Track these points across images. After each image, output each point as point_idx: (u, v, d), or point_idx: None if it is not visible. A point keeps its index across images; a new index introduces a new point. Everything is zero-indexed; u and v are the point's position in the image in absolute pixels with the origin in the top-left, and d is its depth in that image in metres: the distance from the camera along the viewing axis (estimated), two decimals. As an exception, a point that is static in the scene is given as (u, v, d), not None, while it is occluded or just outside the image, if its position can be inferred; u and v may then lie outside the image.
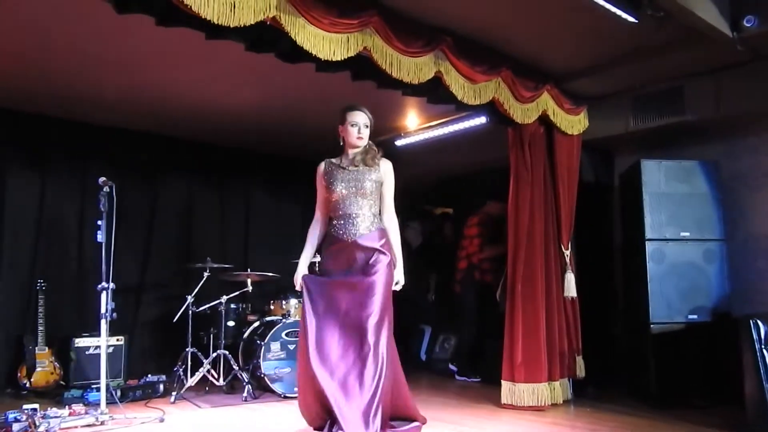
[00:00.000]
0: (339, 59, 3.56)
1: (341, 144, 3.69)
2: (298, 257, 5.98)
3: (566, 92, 5.07)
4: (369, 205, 3.61)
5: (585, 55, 4.69)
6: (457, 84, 4.21)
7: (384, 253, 3.52)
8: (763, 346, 3.64)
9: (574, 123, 5.13)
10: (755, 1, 4.03)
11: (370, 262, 3.47)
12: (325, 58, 3.50)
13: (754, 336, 3.66)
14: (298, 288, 3.59)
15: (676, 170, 4.92)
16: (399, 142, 6.61)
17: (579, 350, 5.03)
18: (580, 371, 5.00)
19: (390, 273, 3.52)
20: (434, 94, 4.42)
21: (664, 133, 5.29)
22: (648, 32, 4.10)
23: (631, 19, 3.88)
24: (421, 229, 7.56)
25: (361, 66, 3.86)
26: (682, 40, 4.27)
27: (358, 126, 3.59)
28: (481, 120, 5.58)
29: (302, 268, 3.67)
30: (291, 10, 3.32)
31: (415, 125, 6.38)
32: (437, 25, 4.07)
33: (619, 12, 3.81)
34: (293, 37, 3.34)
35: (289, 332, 5.27)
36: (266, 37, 3.48)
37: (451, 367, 6.29)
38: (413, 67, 3.91)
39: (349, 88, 4.26)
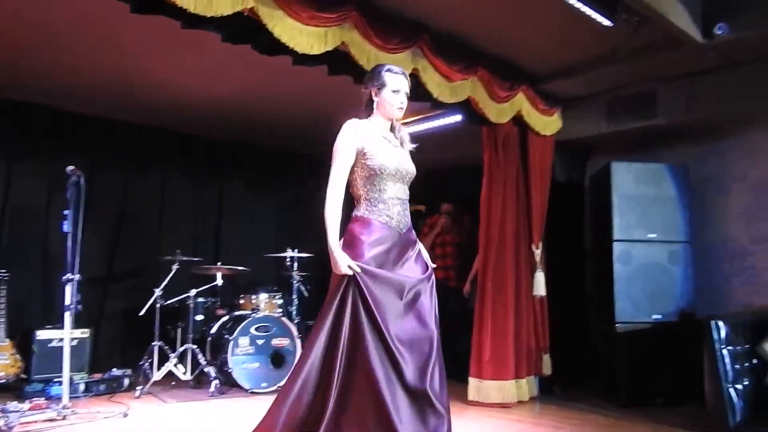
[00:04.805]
0: (317, 53, 3.53)
1: (373, 109, 2.88)
2: (273, 251, 6.04)
3: (541, 93, 5.11)
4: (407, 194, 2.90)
5: (561, 56, 4.74)
6: (434, 82, 4.21)
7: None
8: (722, 347, 3.72)
9: (548, 124, 5.17)
10: (726, 9, 4.11)
11: (420, 261, 2.87)
12: (303, 52, 3.48)
13: (715, 337, 3.74)
14: (345, 272, 2.60)
15: (645, 173, 5.00)
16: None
17: (546, 348, 5.09)
18: (547, 369, 5.06)
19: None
20: (411, 91, 4.40)
21: (636, 136, 5.38)
22: (623, 36, 4.15)
23: (606, 22, 3.93)
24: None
25: (339, 61, 3.84)
26: (655, 44, 4.34)
27: (401, 93, 2.86)
28: (457, 118, 5.59)
29: (344, 253, 2.65)
30: (269, 2, 3.29)
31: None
32: (415, 23, 4.07)
33: (595, 15, 3.85)
34: (271, 30, 3.31)
35: (258, 327, 5.23)
36: (243, 29, 3.44)
37: None
38: (391, 63, 3.88)
39: (326, 82, 4.23)
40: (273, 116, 6.03)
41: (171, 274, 5.36)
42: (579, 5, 3.73)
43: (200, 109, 5.82)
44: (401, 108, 2.87)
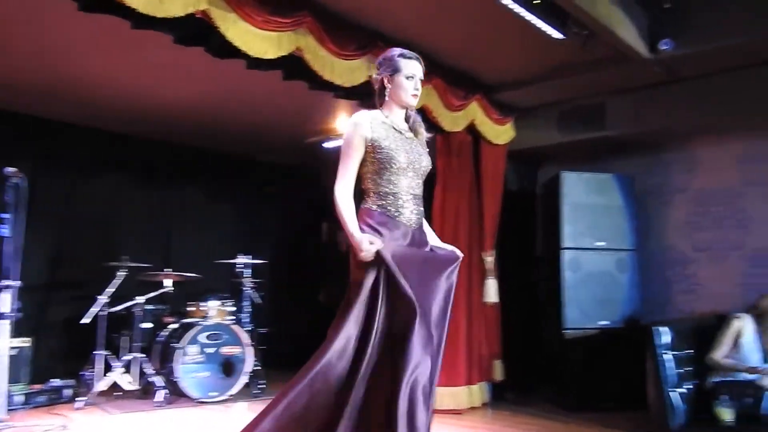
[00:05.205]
0: (271, 58, 3.49)
1: (385, 97, 2.69)
2: (228, 258, 5.93)
3: (495, 103, 5.19)
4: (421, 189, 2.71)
5: (515, 67, 4.82)
6: (389, 89, 4.21)
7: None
8: (664, 352, 3.84)
9: (500, 133, 5.25)
10: (671, 26, 4.26)
11: (440, 260, 2.68)
12: (257, 56, 3.44)
13: (658, 342, 3.86)
14: (370, 252, 2.39)
15: (594, 182, 5.14)
16: (328, 145, 6.57)
17: (498, 354, 5.15)
18: (499, 375, 5.12)
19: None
20: (366, 98, 4.41)
21: (586, 147, 5.52)
22: (574, 49, 4.26)
23: (558, 35, 4.02)
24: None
25: (294, 66, 3.81)
26: (605, 58, 4.47)
27: (416, 79, 2.67)
28: (411, 126, 5.61)
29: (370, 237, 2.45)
30: (222, 4, 3.24)
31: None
32: (372, 30, 4.07)
33: (547, 28, 3.94)
34: (223, 33, 3.25)
35: (209, 335, 5.12)
36: (196, 31, 3.38)
37: None
38: (346, 70, 3.89)
39: (280, 87, 4.19)
40: (229, 121, 5.95)
41: (117, 281, 5.20)
42: (531, 18, 3.81)
43: (153, 113, 5.68)
44: (416, 95, 2.68)
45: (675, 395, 3.75)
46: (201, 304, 5.47)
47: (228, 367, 5.15)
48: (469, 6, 3.83)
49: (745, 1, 4.01)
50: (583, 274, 5.02)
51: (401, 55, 2.67)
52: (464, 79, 4.87)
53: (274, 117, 5.84)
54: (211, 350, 5.11)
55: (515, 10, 3.72)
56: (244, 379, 5.22)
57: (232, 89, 5.05)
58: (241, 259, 5.75)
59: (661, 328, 3.90)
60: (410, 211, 2.59)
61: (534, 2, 3.71)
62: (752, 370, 3.65)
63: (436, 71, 4.53)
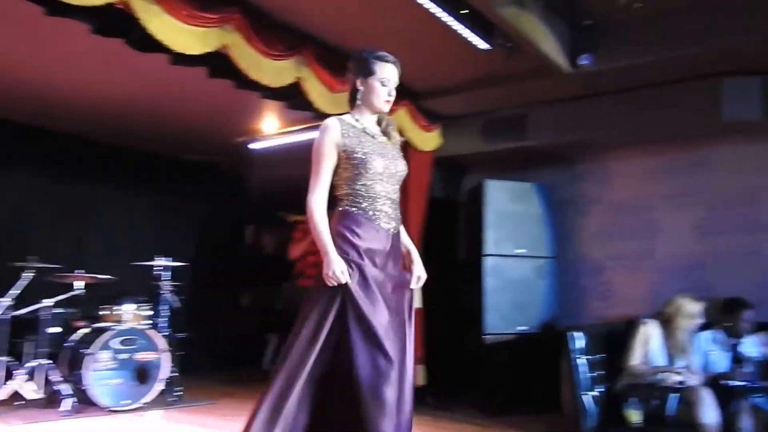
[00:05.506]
0: (196, 54, 3.39)
1: (357, 101, 2.56)
2: (146, 259, 5.68)
3: (422, 110, 5.24)
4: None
5: (442, 76, 4.90)
6: (317, 91, 4.19)
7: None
8: (578, 357, 3.99)
9: (427, 140, 5.31)
10: (590, 42, 4.44)
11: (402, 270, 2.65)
12: (180, 51, 3.33)
13: (572, 347, 4.01)
14: (345, 280, 2.32)
15: (516, 191, 5.29)
16: (254, 146, 6.45)
17: (420, 359, 5.18)
18: (421, 379, 5.16)
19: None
20: (294, 99, 4.37)
21: (509, 156, 5.66)
22: (499, 60, 4.36)
23: (484, 45, 4.11)
24: (278, 237, 7.47)
25: (220, 63, 3.72)
26: (528, 70, 4.60)
27: (390, 85, 2.56)
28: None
29: (341, 259, 2.36)
30: (145, -5, 3.12)
31: (274, 129, 6.26)
32: (302, 31, 4.04)
33: (473, 38, 4.02)
34: (145, 25, 3.13)
35: (123, 340, 4.89)
36: (116, 22, 3.24)
37: None
38: (274, 70, 3.84)
39: (206, 84, 4.08)
40: (150, 117, 5.74)
41: (24, 282, 4.89)
42: (458, 27, 3.88)
43: (67, 105, 5.41)
44: (389, 101, 2.56)
45: (588, 398, 3.89)
46: (115, 307, 5.21)
47: (142, 374, 4.94)
48: (400, 13, 3.86)
49: (656, 24, 4.23)
50: (503, 280, 5.14)
51: (377, 57, 2.53)
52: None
53: (198, 115, 5.68)
54: (125, 356, 4.88)
55: (443, 19, 3.78)
56: (159, 386, 5.02)
57: (154, 84, 4.88)
58: (160, 261, 5.54)
59: (575, 334, 4.04)
60: (388, 215, 2.51)
61: (461, 12, 3.78)
62: (668, 370, 3.80)
63: (365, 76, 4.53)
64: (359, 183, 2.45)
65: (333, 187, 2.49)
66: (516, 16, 3.82)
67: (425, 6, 3.64)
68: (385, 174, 2.50)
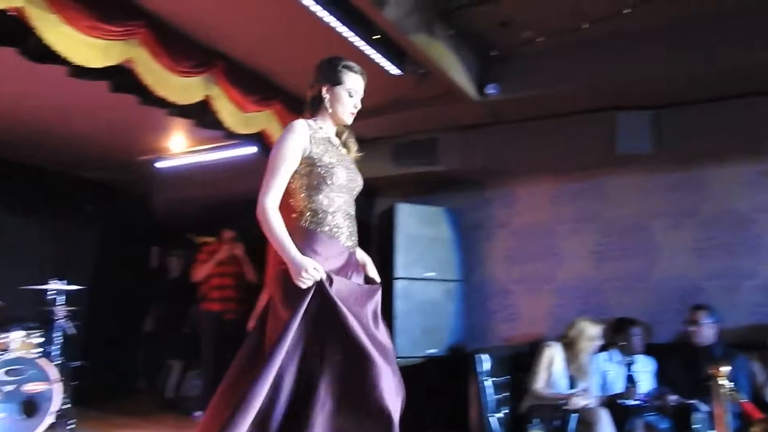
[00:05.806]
0: (97, 67, 3.25)
1: (325, 107, 2.49)
2: (38, 283, 5.28)
3: (334, 132, 5.24)
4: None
5: (354, 99, 4.92)
6: (227, 110, 4.11)
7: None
8: (485, 379, 4.08)
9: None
10: (497, 72, 4.62)
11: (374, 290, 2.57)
12: (80, 64, 3.18)
13: (479, 369, 4.09)
14: (320, 278, 2.22)
15: (425, 215, 5.37)
16: (160, 164, 6.23)
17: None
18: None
19: None
20: (203, 118, 4.26)
21: (420, 180, 5.77)
22: (411, 85, 4.46)
23: (395, 71, 4.19)
24: (184, 259, 7.19)
25: (124, 78, 3.59)
26: (438, 96, 4.72)
27: (356, 97, 2.50)
28: (254, 149, 5.51)
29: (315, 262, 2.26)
30: (41, 4, 2.97)
31: (182, 148, 6.07)
32: (212, 49, 3.96)
33: (385, 63, 4.09)
34: (41, 35, 2.97)
35: (8, 370, 4.52)
36: (9, 30, 3.06)
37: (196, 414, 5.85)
38: (181, 87, 3.74)
39: (108, 99, 3.90)
40: (45, 131, 5.40)
41: None
42: (371, 52, 3.93)
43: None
44: (353, 113, 2.51)
45: (494, 419, 3.97)
46: (1, 335, 4.83)
47: (30, 407, 4.57)
48: (314, 36, 3.85)
49: (557, 58, 4.46)
50: (413, 303, 5.17)
51: (346, 67, 2.47)
52: (303, 105, 4.87)
53: (100, 131, 5.42)
54: (10, 387, 4.50)
55: (356, 44, 3.82)
56: (49, 420, 4.66)
57: (50, 96, 4.61)
58: (54, 285, 5.18)
59: (482, 356, 4.13)
60: (348, 232, 2.42)
61: (374, 37, 3.83)
62: (570, 395, 3.92)
63: (278, 96, 4.51)
64: (321, 194, 2.36)
65: (287, 193, 2.36)
66: (427, 44, 3.92)
67: (338, 30, 3.67)
68: (347, 187, 2.43)
